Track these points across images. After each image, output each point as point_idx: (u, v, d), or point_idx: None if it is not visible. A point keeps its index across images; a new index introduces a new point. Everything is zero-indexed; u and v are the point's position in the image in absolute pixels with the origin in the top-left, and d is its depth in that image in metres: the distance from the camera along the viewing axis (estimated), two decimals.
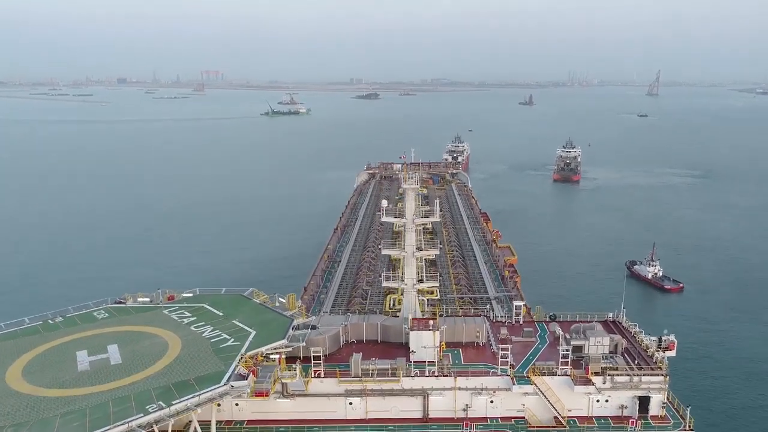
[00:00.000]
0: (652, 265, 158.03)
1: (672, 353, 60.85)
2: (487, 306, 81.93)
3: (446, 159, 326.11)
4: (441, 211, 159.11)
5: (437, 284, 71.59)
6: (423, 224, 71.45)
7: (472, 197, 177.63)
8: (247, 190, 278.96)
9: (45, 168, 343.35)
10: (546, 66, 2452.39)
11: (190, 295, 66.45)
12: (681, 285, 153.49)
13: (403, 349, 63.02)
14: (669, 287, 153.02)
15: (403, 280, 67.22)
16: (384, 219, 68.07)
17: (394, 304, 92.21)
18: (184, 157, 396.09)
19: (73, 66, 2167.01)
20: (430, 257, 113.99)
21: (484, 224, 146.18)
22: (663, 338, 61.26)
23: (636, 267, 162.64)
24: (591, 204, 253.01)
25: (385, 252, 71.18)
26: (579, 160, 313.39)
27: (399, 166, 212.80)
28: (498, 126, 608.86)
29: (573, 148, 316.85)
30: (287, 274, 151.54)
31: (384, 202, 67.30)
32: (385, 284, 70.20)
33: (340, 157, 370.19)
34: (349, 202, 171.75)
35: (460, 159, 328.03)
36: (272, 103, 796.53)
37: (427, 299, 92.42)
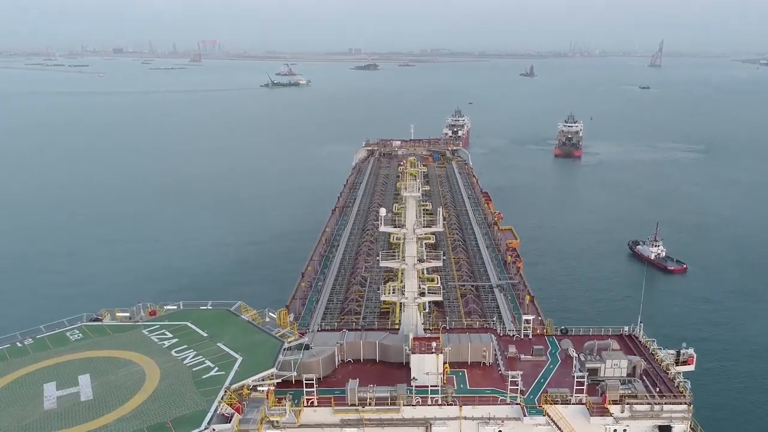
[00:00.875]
0: (655, 246, 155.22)
1: (691, 367, 56.75)
2: (493, 317, 75.43)
3: (446, 133, 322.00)
4: (441, 188, 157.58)
5: (440, 297, 65.64)
6: (426, 234, 65.76)
7: (473, 175, 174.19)
8: (247, 165, 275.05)
9: (39, 143, 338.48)
10: (547, 36, 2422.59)
11: (174, 307, 60.50)
12: (684, 266, 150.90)
13: (404, 369, 58.28)
14: (672, 268, 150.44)
15: (403, 293, 61.34)
16: (382, 229, 61.63)
17: (393, 292, 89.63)
18: (184, 131, 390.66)
19: (68, 35, 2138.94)
20: (431, 242, 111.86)
21: (485, 205, 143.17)
22: (681, 352, 57.16)
23: (639, 247, 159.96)
24: (593, 181, 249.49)
25: (383, 264, 64.57)
26: (581, 135, 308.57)
27: (398, 142, 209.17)
28: (498, 98, 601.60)
29: (575, 122, 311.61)
30: (284, 256, 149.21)
31: (382, 211, 61.72)
32: (383, 298, 64.22)
33: (341, 130, 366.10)
34: (347, 180, 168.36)
35: (460, 133, 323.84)
36: (270, 74, 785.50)
37: (428, 287, 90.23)
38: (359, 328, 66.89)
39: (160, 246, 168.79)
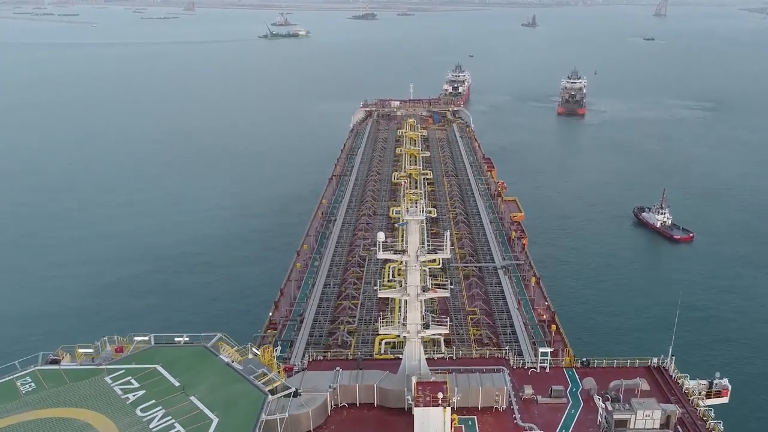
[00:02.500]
0: (661, 213, 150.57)
1: (725, 400, 50.60)
2: (506, 346, 66.00)
3: (446, 90, 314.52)
4: (441, 153, 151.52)
5: (447, 330, 56.85)
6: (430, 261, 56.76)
7: (475, 139, 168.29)
8: (243, 127, 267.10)
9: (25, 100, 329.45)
10: None
11: (145, 338, 52.08)
12: (691, 234, 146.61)
13: (405, 416, 51.52)
14: (678, 237, 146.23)
15: (404, 326, 52.85)
16: (380, 256, 52.40)
17: (393, 275, 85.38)
18: (183, 87, 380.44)
19: None
20: (433, 215, 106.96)
21: (488, 173, 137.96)
22: (714, 382, 50.87)
23: (644, 215, 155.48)
24: (597, 141, 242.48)
25: (381, 294, 56.48)
26: (584, 91, 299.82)
27: (397, 103, 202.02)
28: (500, 51, 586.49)
29: (578, 78, 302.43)
30: (279, 229, 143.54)
31: (380, 236, 54.21)
32: (383, 331, 56.14)
33: (341, 86, 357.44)
34: (344, 145, 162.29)
35: (460, 90, 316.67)
36: (269, 25, 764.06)
37: (429, 268, 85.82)
38: (354, 358, 59.24)
39: (137, 222, 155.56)
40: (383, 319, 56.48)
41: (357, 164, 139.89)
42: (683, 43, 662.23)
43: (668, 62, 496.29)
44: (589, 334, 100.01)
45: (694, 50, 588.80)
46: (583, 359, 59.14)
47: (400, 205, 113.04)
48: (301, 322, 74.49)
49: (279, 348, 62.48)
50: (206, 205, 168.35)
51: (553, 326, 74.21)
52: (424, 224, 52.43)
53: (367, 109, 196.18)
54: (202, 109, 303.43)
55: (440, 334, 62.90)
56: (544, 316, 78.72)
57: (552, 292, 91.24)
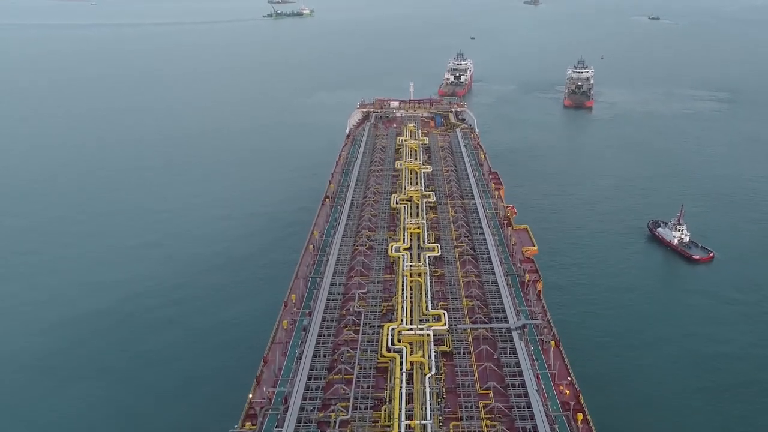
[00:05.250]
0: (679, 229, 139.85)
1: None
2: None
3: (448, 79, 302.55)
4: (445, 167, 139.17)
5: None
6: None
7: (481, 149, 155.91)
8: (233, 126, 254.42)
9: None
10: None
11: None
12: (711, 254, 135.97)
13: None
14: (697, 257, 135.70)
15: None
16: None
17: (393, 341, 74.90)
18: (171, 77, 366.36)
19: None
20: (436, 254, 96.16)
21: (496, 192, 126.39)
22: None
23: (659, 230, 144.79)
24: (607, 139, 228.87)
25: None
26: (592, 82, 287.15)
27: (397, 103, 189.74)
28: (502, 31, 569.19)
29: (585, 68, 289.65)
30: (263, 270, 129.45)
31: None
32: None
33: (343, 74, 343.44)
34: (340, 156, 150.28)
35: (462, 79, 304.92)
36: (273, 4, 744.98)
37: (434, 331, 75.45)
38: None
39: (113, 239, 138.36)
40: None
41: (353, 182, 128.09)
42: (690, 23, 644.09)
43: (676, 45, 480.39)
44: (615, 408, 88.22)
45: (702, 31, 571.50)
46: None
47: (399, 240, 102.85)
48: (285, 411, 64.01)
49: None
50: (177, 229, 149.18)
51: (580, 415, 63.75)
52: None
53: (365, 110, 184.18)
54: (186, 102, 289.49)
55: None
56: (568, 393, 68.34)
57: (569, 346, 79.76)
